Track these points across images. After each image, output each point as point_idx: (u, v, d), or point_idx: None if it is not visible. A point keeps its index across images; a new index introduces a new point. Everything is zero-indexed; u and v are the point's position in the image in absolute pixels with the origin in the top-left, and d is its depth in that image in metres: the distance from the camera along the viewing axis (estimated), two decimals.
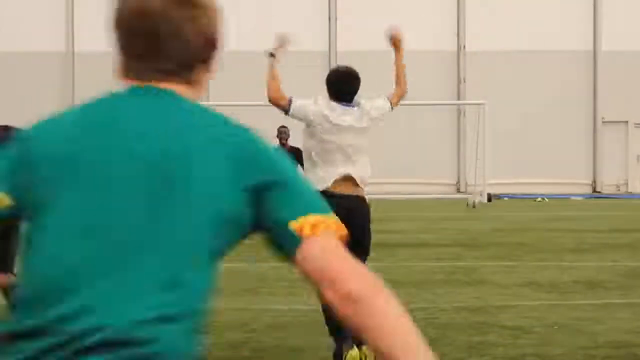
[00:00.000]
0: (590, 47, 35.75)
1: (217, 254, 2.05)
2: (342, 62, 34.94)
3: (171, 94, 2.10)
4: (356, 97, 7.02)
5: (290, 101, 7.12)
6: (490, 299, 9.79)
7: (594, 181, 35.90)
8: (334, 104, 6.95)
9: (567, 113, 34.97)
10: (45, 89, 35.09)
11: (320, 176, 6.75)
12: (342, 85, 6.98)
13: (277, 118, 34.62)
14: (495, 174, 31.35)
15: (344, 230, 2.02)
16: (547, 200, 30.26)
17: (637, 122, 35.90)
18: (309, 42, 35.27)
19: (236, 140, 2.03)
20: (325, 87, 7.10)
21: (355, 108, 6.94)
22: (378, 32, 39.87)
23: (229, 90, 34.57)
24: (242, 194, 1.99)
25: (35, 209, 1.99)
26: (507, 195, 31.59)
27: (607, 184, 35.81)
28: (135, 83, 2.18)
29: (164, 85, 2.13)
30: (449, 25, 34.54)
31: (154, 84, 2.13)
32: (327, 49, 35.34)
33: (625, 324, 8.51)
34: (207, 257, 2.01)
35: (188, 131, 2.01)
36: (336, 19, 35.38)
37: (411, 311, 7.66)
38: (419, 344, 1.94)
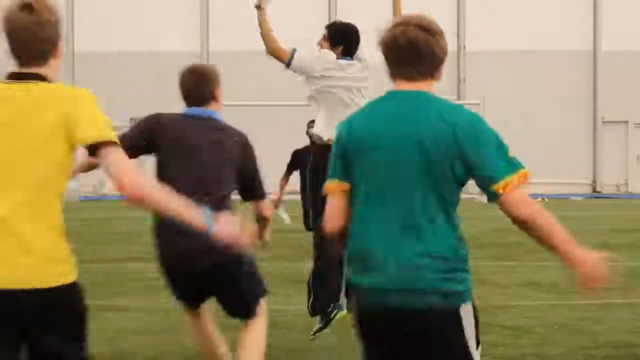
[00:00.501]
0: (590, 47, 35.75)
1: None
2: None
3: (424, 92, 3.70)
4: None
5: (292, 55, 7.11)
6: (490, 299, 9.78)
7: (594, 181, 35.89)
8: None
9: (567, 113, 34.96)
10: None
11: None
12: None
13: (281, 117, 34.17)
14: None
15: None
16: (547, 200, 30.26)
17: (637, 122, 35.90)
18: (308, 42, 35.25)
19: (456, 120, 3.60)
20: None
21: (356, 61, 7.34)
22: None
23: (229, 90, 34.55)
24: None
25: (353, 173, 3.69)
26: None
27: (607, 184, 35.80)
28: (401, 81, 3.71)
29: (419, 81, 3.71)
30: (449, 25, 34.53)
31: (412, 82, 3.69)
32: None
33: (625, 324, 8.52)
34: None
35: (432, 115, 3.60)
36: (336, 19, 35.41)
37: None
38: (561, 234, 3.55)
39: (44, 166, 3.51)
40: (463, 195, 3.74)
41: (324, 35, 7.50)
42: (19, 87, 3.53)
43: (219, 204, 5.23)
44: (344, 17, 34.19)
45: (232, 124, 5.52)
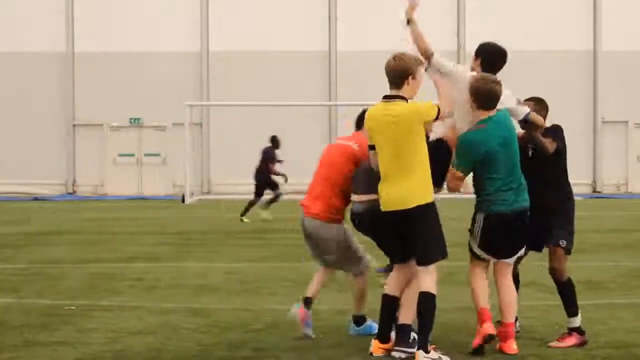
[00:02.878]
0: (590, 47, 35.74)
1: None
2: (342, 62, 34.97)
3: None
4: None
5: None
6: (490, 298, 9.75)
7: (594, 181, 35.88)
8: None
9: (567, 113, 34.92)
10: (45, 89, 35.06)
11: None
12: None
13: (280, 117, 33.90)
14: None
15: None
16: None
17: (637, 122, 35.88)
18: (309, 42, 35.25)
19: None
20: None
21: None
22: (378, 32, 39.87)
23: (229, 90, 34.54)
24: None
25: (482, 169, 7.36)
26: None
27: (607, 184, 35.79)
28: (484, 111, 7.39)
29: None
30: (449, 25, 34.52)
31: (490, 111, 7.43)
32: (327, 49, 35.32)
33: (625, 324, 8.52)
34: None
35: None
36: (336, 19, 35.36)
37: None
38: None
39: (412, 143, 7.05)
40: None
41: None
42: (394, 103, 7.13)
43: None
44: (344, 16, 33.69)
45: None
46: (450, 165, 7.45)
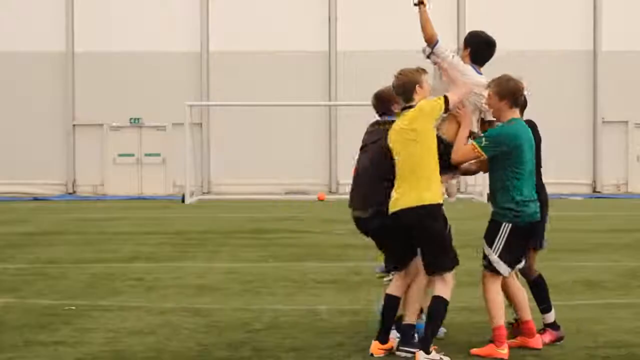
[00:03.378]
0: (590, 47, 35.72)
1: None
2: (342, 62, 34.98)
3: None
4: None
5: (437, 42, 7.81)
6: None
7: (594, 181, 35.87)
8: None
9: (567, 113, 34.95)
10: (45, 89, 35.06)
11: None
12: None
13: (280, 117, 33.97)
14: None
15: None
16: None
17: (637, 122, 35.87)
18: (309, 42, 35.25)
19: None
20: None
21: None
22: (378, 32, 39.80)
23: (229, 90, 34.53)
24: None
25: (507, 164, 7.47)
26: None
27: (607, 184, 35.78)
28: (519, 115, 7.90)
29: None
30: (449, 25, 34.50)
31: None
32: (327, 49, 35.32)
33: (625, 323, 8.52)
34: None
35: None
36: (336, 19, 35.36)
37: None
38: None
39: (420, 147, 7.30)
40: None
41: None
42: (407, 112, 7.41)
43: None
44: (344, 16, 33.58)
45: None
46: (472, 141, 7.50)
